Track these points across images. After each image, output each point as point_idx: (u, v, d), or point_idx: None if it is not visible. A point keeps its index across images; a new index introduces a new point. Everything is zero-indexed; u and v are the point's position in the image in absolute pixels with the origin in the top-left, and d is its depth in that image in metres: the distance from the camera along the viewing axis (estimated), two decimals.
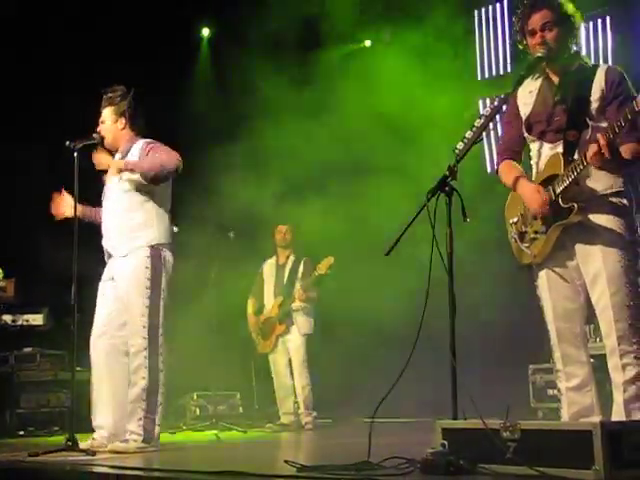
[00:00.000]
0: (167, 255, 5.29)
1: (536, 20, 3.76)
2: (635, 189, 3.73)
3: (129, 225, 5.23)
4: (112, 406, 5.15)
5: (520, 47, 3.91)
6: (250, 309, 8.17)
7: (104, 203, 5.43)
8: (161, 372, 5.15)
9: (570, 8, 3.80)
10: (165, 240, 5.31)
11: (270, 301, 8.03)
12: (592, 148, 3.54)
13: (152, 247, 5.22)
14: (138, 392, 5.06)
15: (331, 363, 8.65)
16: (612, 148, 3.50)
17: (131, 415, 5.05)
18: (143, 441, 4.99)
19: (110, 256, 5.32)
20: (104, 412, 5.15)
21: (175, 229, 7.73)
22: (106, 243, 5.34)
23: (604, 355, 3.72)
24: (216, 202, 8.52)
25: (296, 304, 7.84)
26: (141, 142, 5.35)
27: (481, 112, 3.59)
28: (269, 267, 8.15)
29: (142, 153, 5.26)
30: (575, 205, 3.65)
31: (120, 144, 5.40)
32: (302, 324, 7.87)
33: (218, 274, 8.22)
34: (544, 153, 3.84)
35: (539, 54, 3.75)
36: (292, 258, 8.04)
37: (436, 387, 4.05)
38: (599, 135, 3.52)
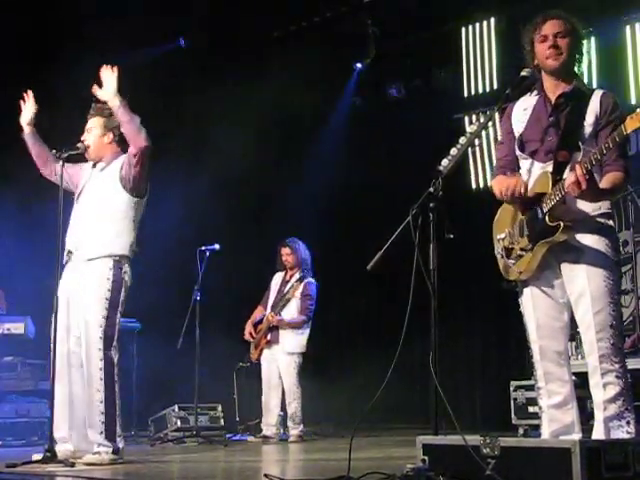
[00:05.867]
0: (128, 270, 5.22)
1: (549, 27, 3.80)
2: (616, 208, 3.75)
3: (99, 231, 5.14)
4: (76, 418, 5.06)
5: (528, 58, 3.90)
6: (253, 315, 8.14)
7: (77, 203, 5.32)
8: (116, 383, 5.05)
9: (578, 25, 3.84)
10: (129, 254, 5.24)
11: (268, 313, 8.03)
12: (570, 177, 3.56)
13: (116, 258, 5.15)
14: (96, 404, 4.96)
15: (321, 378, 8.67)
16: (590, 178, 3.51)
17: (93, 427, 4.96)
18: (113, 452, 4.92)
19: (69, 257, 5.21)
20: (68, 424, 5.05)
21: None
22: (70, 242, 5.22)
23: (586, 373, 3.73)
24: None
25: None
26: (125, 156, 5.31)
27: (467, 129, 3.59)
28: (276, 280, 8.19)
29: (125, 161, 5.24)
30: (561, 224, 3.66)
31: (104, 156, 5.35)
32: (287, 342, 7.84)
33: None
34: (534, 172, 3.85)
35: (551, 61, 3.77)
36: (296, 276, 8.02)
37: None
38: (577, 165, 3.54)
